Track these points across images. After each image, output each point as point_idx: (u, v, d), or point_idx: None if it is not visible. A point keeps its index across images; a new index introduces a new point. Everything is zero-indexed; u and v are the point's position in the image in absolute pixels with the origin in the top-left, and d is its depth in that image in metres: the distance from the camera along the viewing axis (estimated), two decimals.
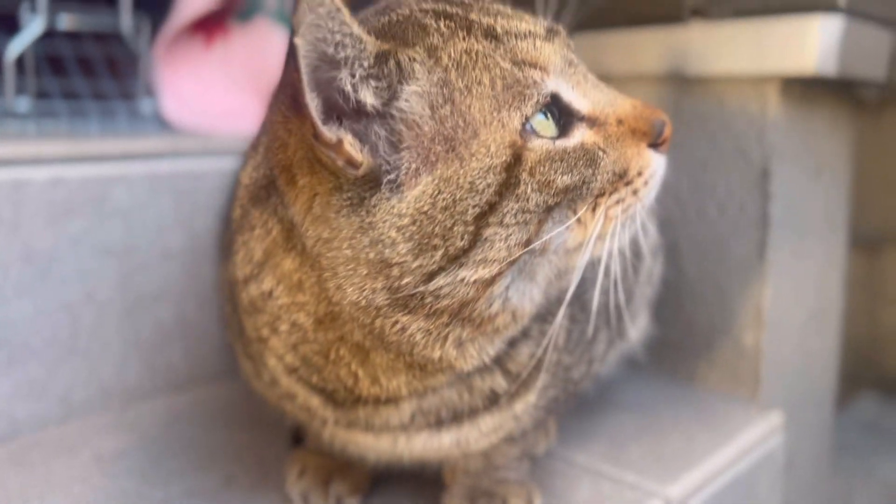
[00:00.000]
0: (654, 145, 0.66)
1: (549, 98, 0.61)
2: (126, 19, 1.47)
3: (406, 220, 0.60)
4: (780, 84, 1.08)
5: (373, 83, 0.59)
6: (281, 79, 0.62)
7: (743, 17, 1.09)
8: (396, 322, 0.64)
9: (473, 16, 0.63)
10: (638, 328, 1.05)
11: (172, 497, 0.87)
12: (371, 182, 0.60)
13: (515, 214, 0.60)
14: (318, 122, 0.57)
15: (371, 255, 0.61)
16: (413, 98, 0.60)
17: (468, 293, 0.62)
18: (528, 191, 0.60)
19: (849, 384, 1.55)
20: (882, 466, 1.78)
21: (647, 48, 1.18)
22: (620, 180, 0.64)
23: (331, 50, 0.56)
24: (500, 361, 0.72)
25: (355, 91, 0.58)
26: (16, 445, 0.99)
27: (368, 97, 0.59)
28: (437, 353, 0.66)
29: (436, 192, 0.59)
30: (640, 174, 0.65)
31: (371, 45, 0.58)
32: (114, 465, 0.95)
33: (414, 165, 0.60)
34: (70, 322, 1.04)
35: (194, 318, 1.17)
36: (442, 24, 0.62)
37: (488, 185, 0.59)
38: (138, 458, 0.96)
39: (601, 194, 0.64)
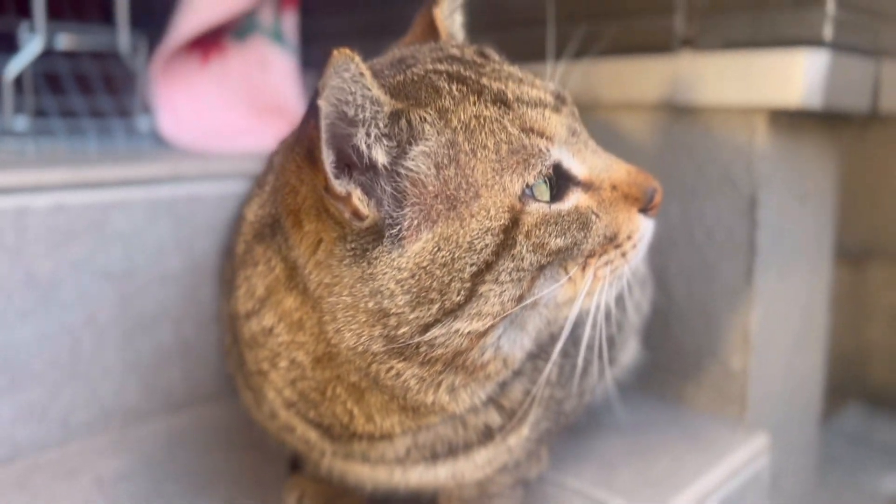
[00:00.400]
0: (644, 210, 0.68)
1: (551, 168, 0.64)
2: (123, 38, 1.49)
3: (405, 274, 0.62)
4: (768, 115, 1.11)
5: (385, 142, 0.61)
6: (298, 131, 0.65)
7: (732, 49, 1.12)
8: (391, 368, 0.66)
9: (485, 80, 0.65)
10: (627, 354, 1.08)
11: None
12: (374, 234, 0.62)
13: (510, 273, 0.63)
14: (331, 177, 0.60)
15: (370, 305, 0.63)
16: (420, 157, 0.62)
17: (462, 343, 0.64)
18: (524, 252, 0.63)
19: (834, 397, 1.58)
20: (868, 479, 1.80)
21: (638, 77, 1.21)
22: (610, 243, 0.67)
23: (351, 112, 0.59)
24: (493, 398, 0.75)
25: (368, 149, 0.61)
26: (18, 468, 1.01)
27: (380, 155, 0.61)
28: (430, 398, 0.68)
29: (435, 249, 0.62)
30: (629, 237, 0.67)
31: (388, 105, 0.60)
32: (115, 489, 0.96)
33: (416, 221, 0.62)
34: (71, 345, 1.06)
35: (193, 340, 1.19)
36: (454, 88, 0.64)
37: (486, 246, 0.62)
38: (139, 482, 0.98)
39: (591, 255, 0.66)
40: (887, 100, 1.20)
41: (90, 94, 1.54)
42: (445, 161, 0.62)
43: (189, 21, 1.50)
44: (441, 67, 0.67)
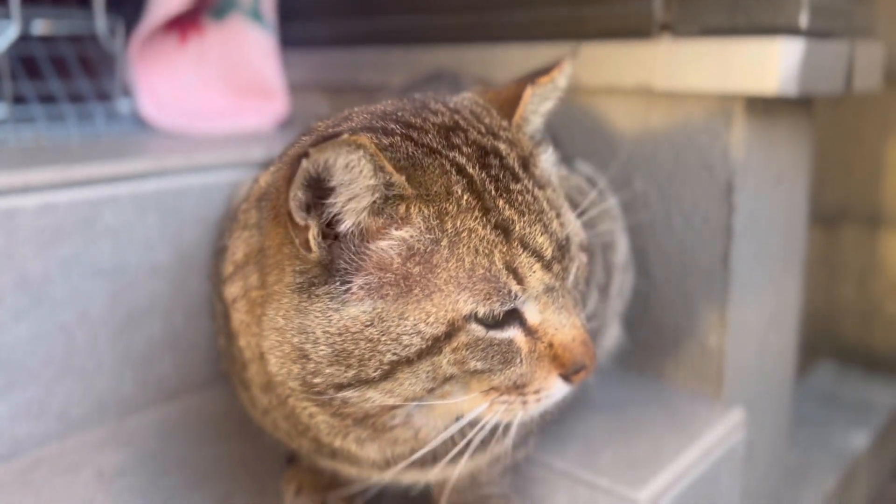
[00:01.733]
0: (565, 377, 0.67)
1: (508, 311, 0.64)
2: (100, 20, 1.47)
3: (333, 329, 0.64)
4: (745, 101, 1.13)
5: (367, 216, 0.63)
6: (300, 150, 0.64)
7: (710, 36, 1.14)
8: (306, 408, 0.70)
9: (502, 202, 0.64)
10: (610, 339, 1.12)
11: None
12: (323, 272, 0.64)
13: (426, 372, 0.64)
14: (293, 207, 0.61)
15: (295, 340, 0.66)
16: (397, 242, 0.63)
17: (373, 410, 0.67)
18: (444, 363, 0.64)
19: (805, 355, 1.63)
20: (838, 437, 1.87)
21: (617, 62, 1.22)
22: (517, 389, 0.67)
23: (342, 177, 0.60)
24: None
25: (343, 213, 0.62)
26: (19, 464, 1.03)
27: (351, 224, 0.63)
28: (338, 444, 0.73)
29: (368, 323, 0.63)
30: (536, 392, 0.67)
31: (399, 189, 0.61)
32: (115, 483, 0.99)
33: (363, 290, 0.63)
34: (65, 342, 1.08)
35: (183, 331, 1.21)
36: (466, 197, 0.63)
37: (412, 345, 0.63)
38: (138, 476, 1.01)
39: (497, 388, 0.67)
40: (861, 79, 1.22)
41: (69, 79, 1.52)
42: (419, 255, 0.63)
43: (166, 1, 1.48)
44: (471, 168, 0.65)
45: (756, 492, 1.36)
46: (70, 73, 1.54)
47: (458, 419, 0.70)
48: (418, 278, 0.63)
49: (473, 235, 0.63)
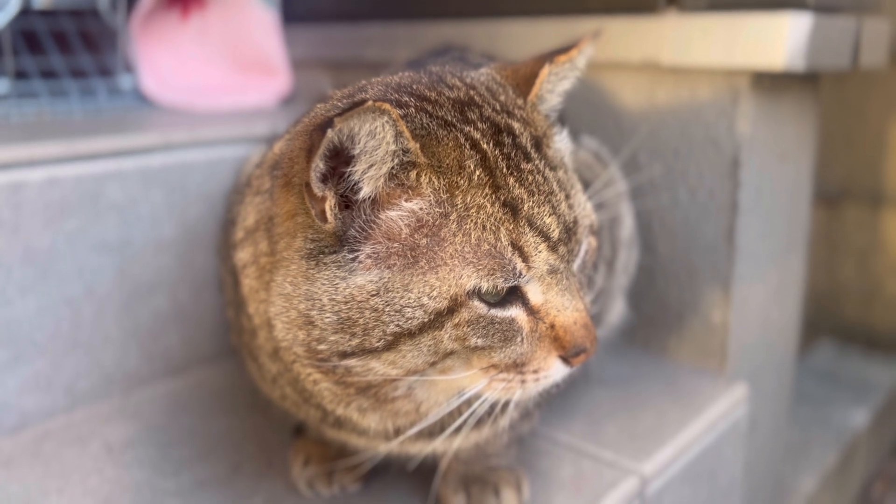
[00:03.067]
0: (564, 359, 0.67)
1: (511, 288, 0.64)
2: None
3: (339, 297, 0.65)
4: (751, 76, 1.13)
5: (384, 182, 0.63)
6: (320, 119, 0.66)
7: (717, 10, 1.13)
8: (311, 374, 0.71)
9: (512, 180, 0.64)
10: (615, 314, 1.12)
11: (184, 487, 0.93)
12: (334, 242, 0.65)
13: (428, 346, 0.65)
14: (313, 178, 0.62)
15: (301, 306, 0.66)
16: (407, 212, 0.63)
17: (375, 380, 0.68)
18: (446, 338, 0.64)
19: (806, 334, 1.64)
20: (837, 415, 1.89)
21: (623, 37, 1.21)
22: (516, 367, 0.67)
23: (364, 144, 0.60)
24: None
25: (362, 180, 0.62)
26: (27, 437, 1.04)
27: (369, 190, 0.63)
28: (340, 411, 0.74)
29: (374, 292, 0.64)
30: (535, 371, 0.67)
31: (413, 156, 0.62)
32: (124, 455, 1.00)
33: (371, 260, 0.64)
34: (72, 316, 1.08)
35: (189, 305, 1.21)
36: (478, 173, 0.64)
37: (414, 318, 0.63)
38: (146, 448, 1.02)
39: (496, 366, 0.67)
40: (867, 55, 1.22)
41: (70, 54, 1.51)
42: (427, 227, 0.63)
43: None
44: (484, 144, 0.65)
45: (757, 466, 1.37)
46: (72, 48, 1.53)
47: (459, 395, 0.70)
48: (425, 250, 0.63)
49: (482, 212, 0.63)
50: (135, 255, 1.14)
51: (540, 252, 0.64)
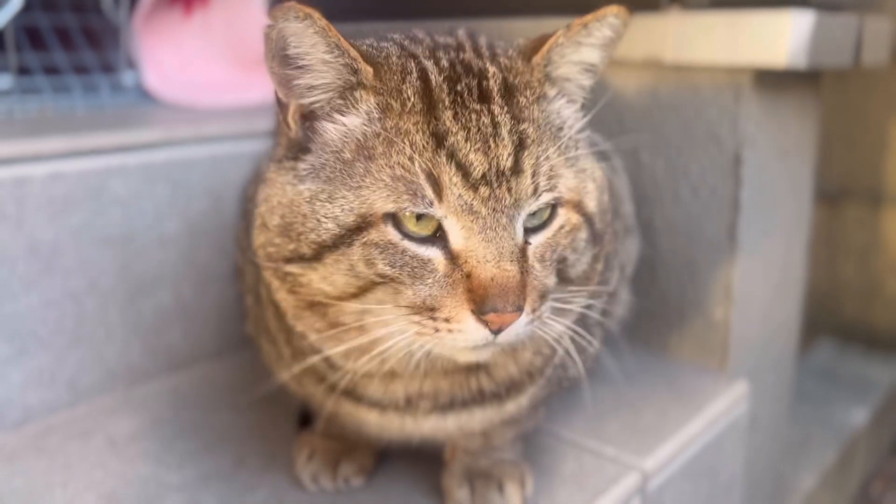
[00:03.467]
0: (477, 315, 0.64)
1: (435, 227, 0.65)
2: None
3: (284, 201, 0.69)
4: (754, 74, 1.13)
5: (331, 96, 0.68)
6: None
7: (720, 8, 1.13)
8: (272, 282, 0.72)
9: (449, 113, 0.65)
10: (620, 304, 1.12)
11: (188, 481, 0.94)
12: (298, 151, 0.70)
13: (346, 264, 0.66)
14: (274, 83, 0.68)
15: (263, 208, 0.71)
16: (341, 125, 0.67)
17: (317, 296, 0.69)
18: (355, 257, 0.65)
19: (806, 332, 1.65)
20: (837, 413, 1.89)
21: (627, 34, 1.21)
22: (428, 310, 0.65)
23: (310, 57, 0.66)
24: (487, 367, 0.79)
25: (311, 88, 0.68)
26: (31, 431, 1.04)
27: (314, 101, 0.68)
28: (298, 328, 0.74)
29: (307, 199, 0.67)
30: (447, 320, 0.65)
31: (363, 75, 0.66)
32: (127, 449, 1.00)
33: (311, 168, 0.68)
34: (75, 311, 1.09)
35: (191, 300, 1.22)
36: (414, 98, 0.66)
37: (328, 229, 0.66)
38: (150, 442, 1.02)
39: (410, 307, 0.66)
40: (869, 53, 1.22)
41: (73, 50, 1.52)
42: (355, 144, 0.66)
43: None
44: (433, 76, 0.67)
45: (757, 464, 1.38)
46: (74, 44, 1.53)
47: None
48: (354, 167, 0.66)
49: (407, 137, 0.64)
50: (138, 250, 1.14)
51: (455, 185, 0.63)
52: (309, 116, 0.69)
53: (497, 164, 0.64)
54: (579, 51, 0.72)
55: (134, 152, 1.12)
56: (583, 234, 0.72)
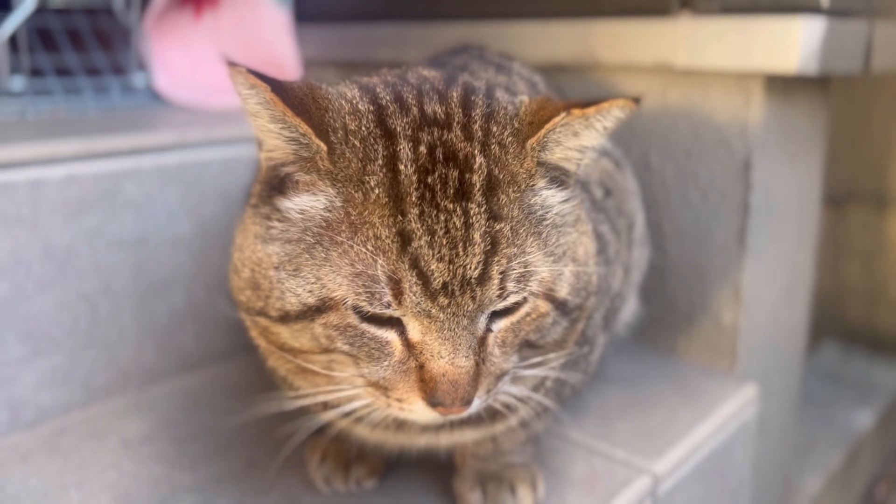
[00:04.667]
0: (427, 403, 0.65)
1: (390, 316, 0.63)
2: None
3: (254, 258, 0.68)
4: (764, 80, 1.14)
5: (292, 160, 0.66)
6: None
7: (730, 14, 1.14)
8: (246, 321, 0.73)
9: (416, 210, 0.61)
10: (627, 311, 1.13)
11: (201, 482, 0.94)
12: (270, 199, 0.68)
13: (309, 334, 0.67)
14: (251, 121, 0.66)
15: (237, 255, 0.71)
16: (302, 205, 0.65)
17: (287, 345, 0.69)
18: (318, 332, 0.66)
19: (812, 334, 1.66)
20: (842, 416, 1.90)
21: (636, 39, 1.22)
22: (381, 388, 0.67)
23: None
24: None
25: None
26: (45, 431, 1.05)
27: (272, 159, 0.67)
28: (269, 363, 0.76)
29: (274, 265, 0.66)
30: (399, 401, 0.66)
31: (312, 148, 0.64)
32: (141, 450, 1.01)
33: (279, 233, 0.67)
34: (89, 312, 1.09)
35: (203, 302, 1.22)
36: (378, 191, 0.62)
37: (291, 304, 0.65)
38: (163, 443, 1.03)
39: (364, 378, 0.67)
40: (879, 60, 1.23)
41: (85, 52, 1.52)
42: (317, 226, 0.64)
43: None
44: (402, 166, 0.63)
45: (765, 467, 1.38)
46: (86, 46, 1.54)
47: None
48: (313, 247, 0.64)
49: (371, 232, 0.61)
50: (151, 252, 1.15)
51: (414, 293, 0.61)
52: (278, 183, 0.68)
53: (462, 273, 0.61)
54: (578, 138, 0.68)
55: (147, 155, 1.13)
56: (549, 319, 0.70)
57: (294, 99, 0.63)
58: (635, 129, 1.26)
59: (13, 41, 1.37)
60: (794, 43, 1.06)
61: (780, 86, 1.16)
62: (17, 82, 1.41)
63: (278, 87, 0.63)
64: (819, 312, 2.22)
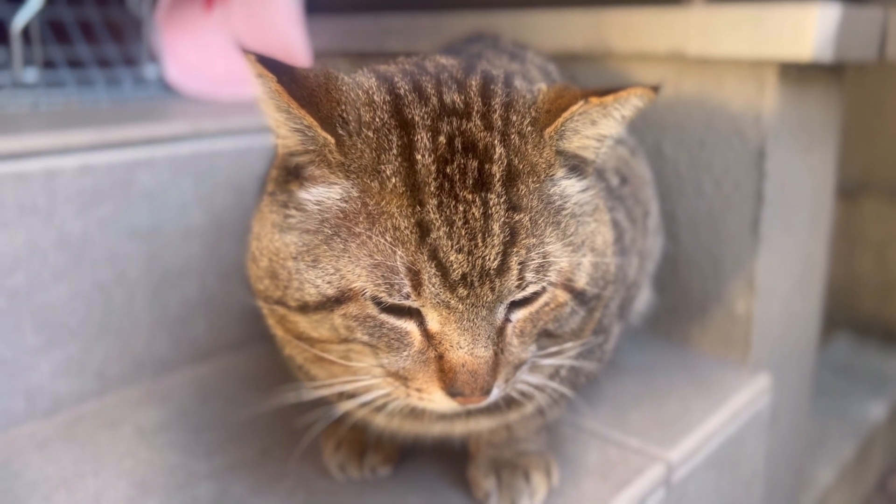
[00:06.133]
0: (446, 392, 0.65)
1: (401, 304, 0.63)
2: None
3: (272, 248, 0.68)
4: (778, 67, 1.13)
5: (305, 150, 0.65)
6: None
7: (744, 1, 1.13)
8: (263, 309, 0.73)
9: (435, 200, 0.61)
10: (641, 301, 1.13)
11: (216, 470, 0.95)
12: (287, 185, 0.68)
13: (327, 324, 0.66)
14: (264, 109, 0.65)
15: (255, 245, 0.70)
16: (318, 196, 0.65)
17: (305, 333, 0.69)
18: (337, 323, 0.65)
19: (824, 327, 1.65)
20: (855, 408, 1.89)
21: (649, 28, 1.22)
22: (400, 378, 0.67)
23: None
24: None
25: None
26: (60, 420, 1.06)
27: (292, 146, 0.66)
28: (286, 351, 0.76)
29: (292, 255, 0.66)
30: (418, 391, 0.66)
31: (319, 140, 0.63)
32: (156, 439, 1.02)
33: (298, 222, 0.66)
34: (103, 302, 1.10)
35: (216, 292, 1.23)
36: (395, 180, 0.61)
37: (310, 294, 0.65)
38: (177, 432, 1.03)
39: (383, 367, 0.67)
40: (894, 47, 1.22)
41: (97, 44, 1.53)
42: (335, 218, 0.63)
43: None
44: (420, 155, 0.62)
45: (778, 458, 1.38)
46: (98, 38, 1.54)
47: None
48: (331, 238, 0.63)
49: (389, 222, 0.61)
50: (164, 242, 1.15)
51: (433, 285, 0.61)
52: (294, 168, 0.67)
53: (482, 264, 0.61)
54: (596, 127, 0.68)
55: (161, 145, 1.13)
56: (567, 309, 0.69)
57: (303, 90, 0.63)
58: (648, 118, 1.26)
59: (26, 33, 1.38)
60: (810, 29, 1.06)
61: (795, 74, 1.15)
62: (30, 74, 1.41)
63: (288, 77, 0.62)
64: (832, 304, 2.21)
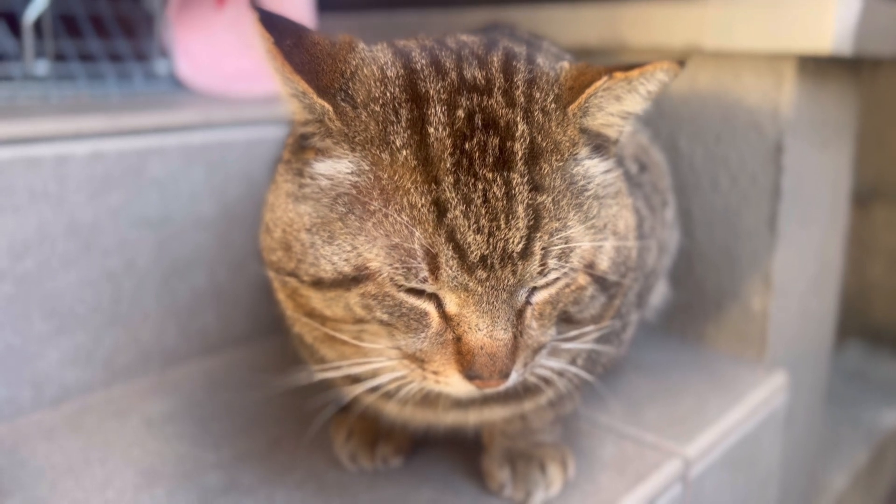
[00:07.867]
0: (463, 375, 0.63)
1: (419, 287, 0.61)
2: None
3: (286, 218, 0.66)
4: (796, 61, 1.12)
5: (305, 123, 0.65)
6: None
7: None
8: (274, 282, 0.71)
9: (452, 178, 0.59)
10: (657, 296, 1.11)
11: (225, 460, 0.93)
12: (303, 152, 0.66)
13: (343, 303, 0.64)
14: (276, 78, 0.63)
15: (268, 215, 0.69)
16: (329, 169, 0.63)
17: (317, 310, 0.67)
18: (353, 302, 0.64)
19: (836, 333, 1.63)
20: (867, 415, 1.87)
21: (666, 21, 1.21)
22: (418, 361, 0.65)
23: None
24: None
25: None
26: (68, 409, 1.04)
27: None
28: (295, 328, 0.74)
29: (306, 227, 0.64)
30: (435, 373, 0.65)
31: (325, 114, 0.62)
32: (164, 429, 1.00)
33: (312, 193, 0.64)
34: (112, 291, 1.08)
35: (226, 284, 1.21)
36: (406, 153, 0.60)
37: (326, 271, 0.63)
38: (185, 423, 1.02)
39: (399, 349, 0.66)
40: None
41: (108, 38, 1.52)
42: (348, 194, 0.62)
43: None
44: (433, 129, 0.60)
45: (792, 459, 1.36)
46: (109, 32, 1.54)
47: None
48: (346, 215, 0.62)
49: (405, 200, 0.59)
50: (174, 231, 1.14)
51: (450, 268, 0.59)
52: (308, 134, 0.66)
53: (504, 246, 0.59)
54: (621, 103, 0.66)
55: (172, 133, 1.12)
56: (588, 293, 0.68)
57: (305, 55, 0.62)
58: (664, 112, 1.24)
59: (37, 26, 1.37)
60: (829, 22, 1.05)
61: (813, 68, 1.14)
62: (41, 67, 1.40)
63: (293, 40, 0.62)
64: (843, 311, 2.19)
